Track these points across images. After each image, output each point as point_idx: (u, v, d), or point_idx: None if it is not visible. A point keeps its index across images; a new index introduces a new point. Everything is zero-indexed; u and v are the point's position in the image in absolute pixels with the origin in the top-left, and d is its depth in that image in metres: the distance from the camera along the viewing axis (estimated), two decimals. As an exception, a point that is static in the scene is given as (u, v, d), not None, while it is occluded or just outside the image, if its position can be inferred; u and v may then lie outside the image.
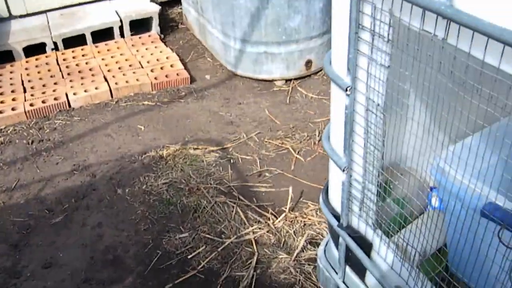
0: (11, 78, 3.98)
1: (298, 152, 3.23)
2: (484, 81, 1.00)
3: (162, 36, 4.69)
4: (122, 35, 4.54)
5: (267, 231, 2.66)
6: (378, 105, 1.28)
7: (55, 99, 3.70)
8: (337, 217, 1.76)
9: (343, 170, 1.50)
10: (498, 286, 1.25)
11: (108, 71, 4.03)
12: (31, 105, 3.64)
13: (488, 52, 0.93)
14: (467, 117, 1.08)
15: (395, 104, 1.32)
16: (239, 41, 3.89)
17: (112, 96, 3.84)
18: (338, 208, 1.73)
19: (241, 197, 2.88)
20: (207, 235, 2.65)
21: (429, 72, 1.11)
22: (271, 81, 3.99)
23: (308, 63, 3.94)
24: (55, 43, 4.33)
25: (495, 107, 1.00)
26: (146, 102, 3.79)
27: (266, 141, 3.33)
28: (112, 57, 4.23)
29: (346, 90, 1.32)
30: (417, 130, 1.38)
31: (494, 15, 0.90)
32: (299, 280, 2.41)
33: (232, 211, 2.78)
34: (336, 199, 1.72)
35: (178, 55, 4.26)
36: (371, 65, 1.25)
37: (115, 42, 4.48)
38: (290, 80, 3.99)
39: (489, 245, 1.23)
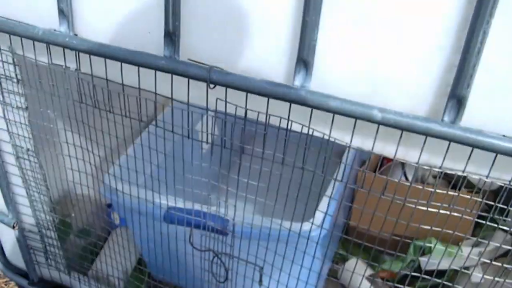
0: None
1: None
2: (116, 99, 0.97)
3: None
4: None
5: None
6: (28, 149, 1.16)
7: None
8: (25, 274, 1.57)
9: (13, 227, 1.34)
10: (204, 283, 1.31)
11: None
12: None
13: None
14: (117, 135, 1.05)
15: (49, 141, 1.21)
16: None
17: None
18: (22, 265, 1.54)
19: None
20: None
21: (72, 104, 1.04)
22: None
23: None
24: None
25: (138, 120, 0.98)
26: None
27: None
28: None
29: (-10, 143, 1.15)
30: (76, 155, 1.30)
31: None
32: None
33: None
34: (16, 257, 1.53)
35: None
36: (7, 110, 1.12)
37: None
38: None
39: (184, 248, 1.26)
